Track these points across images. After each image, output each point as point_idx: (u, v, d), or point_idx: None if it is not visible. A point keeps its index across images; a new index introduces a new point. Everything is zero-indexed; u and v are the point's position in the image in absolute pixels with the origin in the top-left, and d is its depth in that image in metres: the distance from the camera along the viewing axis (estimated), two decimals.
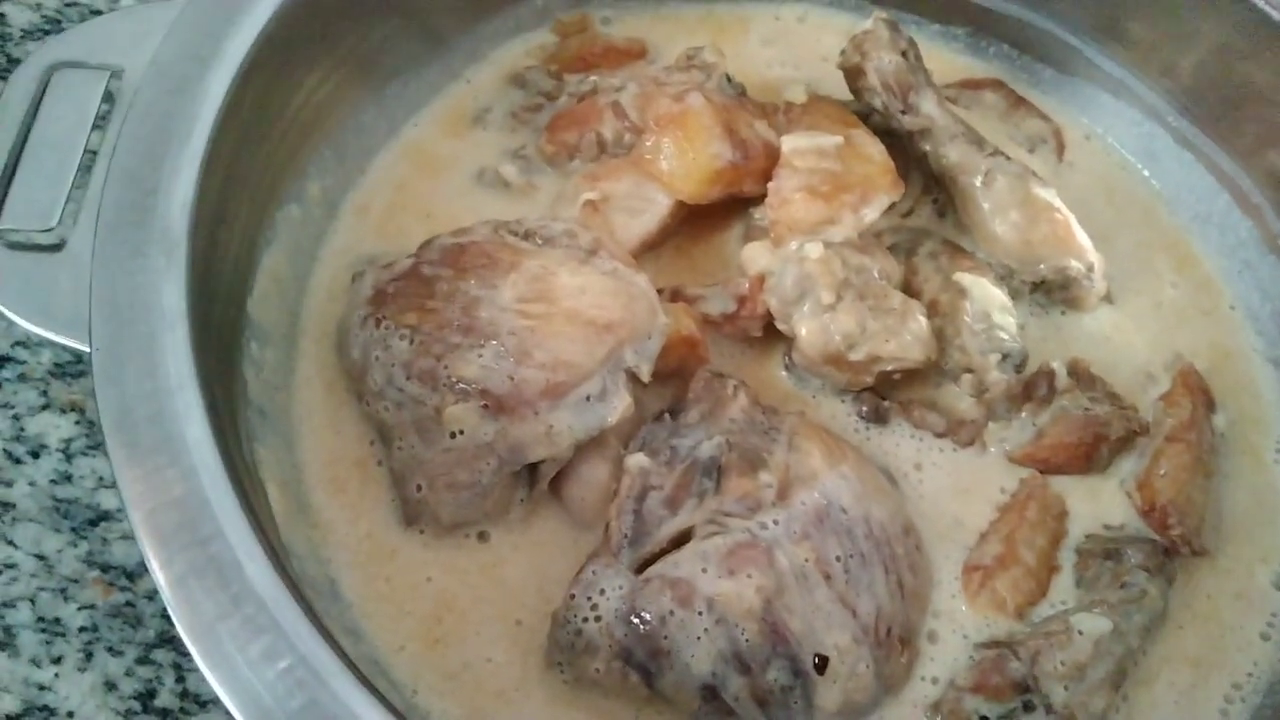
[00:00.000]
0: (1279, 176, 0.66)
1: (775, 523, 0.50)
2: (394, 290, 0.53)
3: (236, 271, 0.50)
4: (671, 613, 0.47)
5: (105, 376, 0.40)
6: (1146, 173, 0.71)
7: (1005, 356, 0.57)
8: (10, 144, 0.46)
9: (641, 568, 0.49)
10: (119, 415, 0.39)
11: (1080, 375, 0.60)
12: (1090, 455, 0.58)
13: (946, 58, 0.74)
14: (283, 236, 0.56)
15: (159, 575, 0.37)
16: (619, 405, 0.52)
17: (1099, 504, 0.58)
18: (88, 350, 0.41)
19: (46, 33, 0.79)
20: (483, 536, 0.53)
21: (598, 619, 0.48)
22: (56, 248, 0.44)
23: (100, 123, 0.47)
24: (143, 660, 0.58)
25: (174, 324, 0.41)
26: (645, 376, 0.53)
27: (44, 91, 0.47)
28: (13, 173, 0.45)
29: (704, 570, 0.48)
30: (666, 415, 0.55)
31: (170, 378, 0.40)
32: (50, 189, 0.45)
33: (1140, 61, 0.70)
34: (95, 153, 0.45)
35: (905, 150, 0.65)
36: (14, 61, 0.77)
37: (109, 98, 0.48)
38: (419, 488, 0.51)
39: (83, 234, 0.44)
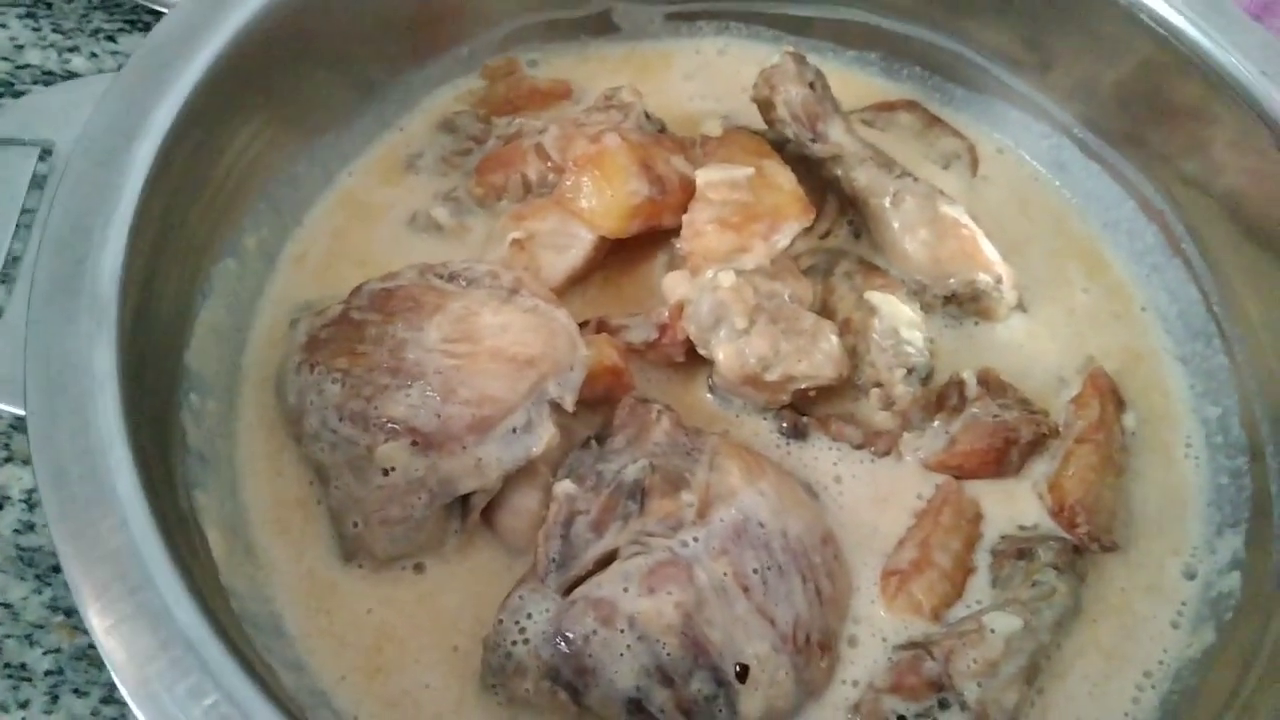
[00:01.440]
0: (1181, 182, 0.69)
1: (695, 540, 0.53)
2: (326, 336, 0.56)
3: (172, 327, 0.53)
4: (595, 632, 0.50)
5: (40, 437, 0.42)
6: (1058, 183, 0.74)
7: (910, 370, 0.59)
8: None
9: (569, 590, 0.52)
10: (54, 474, 0.42)
11: (990, 383, 0.62)
12: (1001, 459, 0.61)
13: (862, 81, 0.77)
14: (220, 289, 0.58)
15: (93, 623, 0.39)
16: (544, 436, 0.55)
17: (1013, 506, 0.61)
18: (23, 414, 0.43)
19: (0, 95, 0.81)
20: (419, 568, 0.56)
21: (525, 641, 0.51)
22: None
23: (31, 199, 0.49)
24: (107, 700, 0.60)
25: (104, 385, 0.43)
26: (569, 406, 0.56)
27: None
28: None
29: (625, 590, 0.51)
30: (593, 441, 0.57)
31: (101, 436, 0.43)
32: None
33: (1051, 79, 0.73)
34: (29, 227, 0.48)
35: (820, 176, 0.68)
36: None
37: (40, 172, 0.50)
38: (355, 524, 0.54)
39: (18, 303, 0.46)
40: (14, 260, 0.49)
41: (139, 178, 0.49)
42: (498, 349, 0.55)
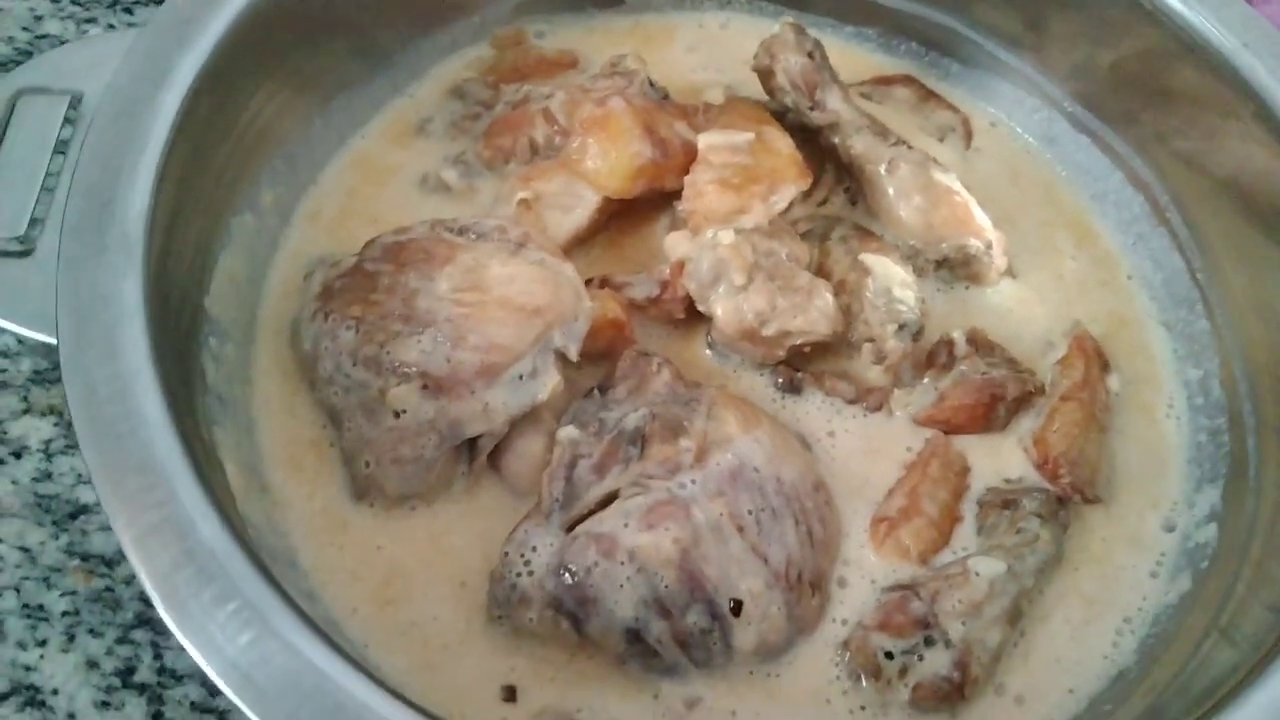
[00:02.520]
0: (1169, 156, 0.71)
1: (693, 482, 0.55)
2: (340, 286, 0.58)
3: (192, 273, 0.55)
4: (596, 564, 0.52)
5: (71, 363, 0.45)
6: (1048, 156, 0.77)
7: (902, 326, 0.62)
8: None
9: (571, 528, 0.54)
10: (84, 396, 0.44)
11: (978, 343, 0.65)
12: (988, 415, 0.63)
13: (860, 56, 0.79)
14: (238, 241, 0.60)
15: (122, 534, 0.42)
16: (549, 383, 0.57)
17: (999, 460, 0.63)
18: (54, 342, 0.46)
19: (19, 64, 0.84)
20: (427, 508, 0.58)
21: (530, 573, 0.53)
22: (26, 253, 0.49)
23: (62, 145, 0.52)
24: (122, 640, 0.62)
25: (132, 315, 0.46)
26: (573, 356, 0.58)
27: (10, 115, 0.52)
28: None
29: (626, 525, 0.53)
30: (596, 391, 0.60)
31: (129, 361, 0.45)
32: (18, 201, 0.50)
33: (1047, 57, 0.75)
34: (58, 174, 0.50)
35: (819, 144, 0.70)
36: None
37: (70, 119, 0.53)
38: (367, 464, 0.56)
39: (49, 241, 0.49)
40: (45, 202, 0.51)
41: (164, 126, 0.52)
42: (506, 298, 0.57)
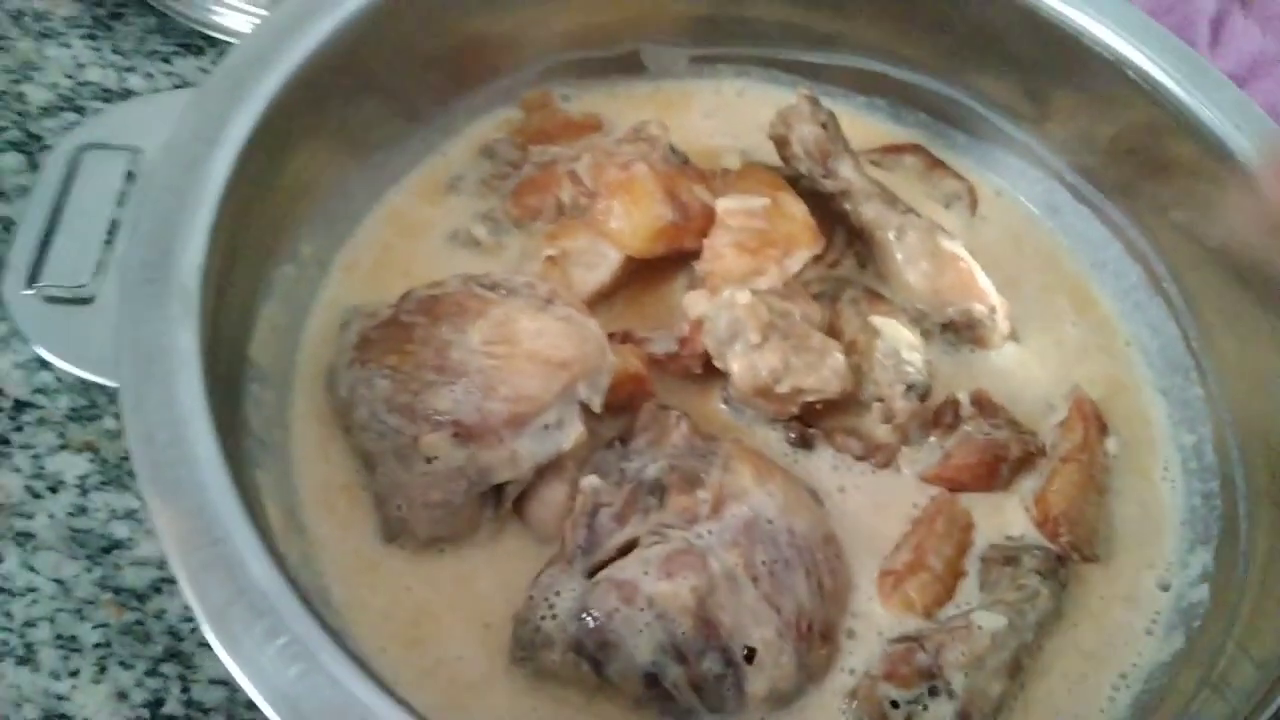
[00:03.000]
0: (1165, 228, 0.75)
1: (709, 532, 0.57)
2: (376, 336, 0.61)
3: (240, 322, 0.58)
4: (617, 609, 0.55)
5: (131, 407, 0.47)
6: (1050, 224, 0.80)
7: (910, 387, 0.64)
8: (47, 213, 0.54)
9: (592, 573, 0.57)
10: (143, 438, 0.47)
11: (983, 404, 0.67)
12: (992, 474, 0.66)
13: (870, 125, 0.82)
14: (279, 291, 0.63)
15: (179, 571, 0.44)
16: (573, 433, 0.60)
17: (1002, 517, 0.66)
18: (116, 386, 0.48)
19: (61, 109, 0.87)
20: (455, 551, 0.60)
21: (554, 616, 0.55)
22: (88, 301, 0.52)
23: (122, 197, 0.55)
24: (151, 673, 0.64)
25: (188, 364, 0.48)
26: (597, 407, 0.61)
27: (75, 169, 0.55)
28: (50, 238, 0.54)
29: (646, 573, 0.55)
30: (617, 442, 0.63)
31: (185, 408, 0.47)
32: (83, 251, 0.53)
33: (1048, 129, 0.79)
34: (118, 222, 0.53)
35: (830, 209, 0.73)
36: (34, 137, 0.85)
37: (130, 174, 0.56)
38: (399, 507, 0.59)
39: (110, 290, 0.52)
40: (107, 252, 0.54)
41: (218, 182, 0.54)
42: (534, 351, 0.60)
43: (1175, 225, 0.74)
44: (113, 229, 0.55)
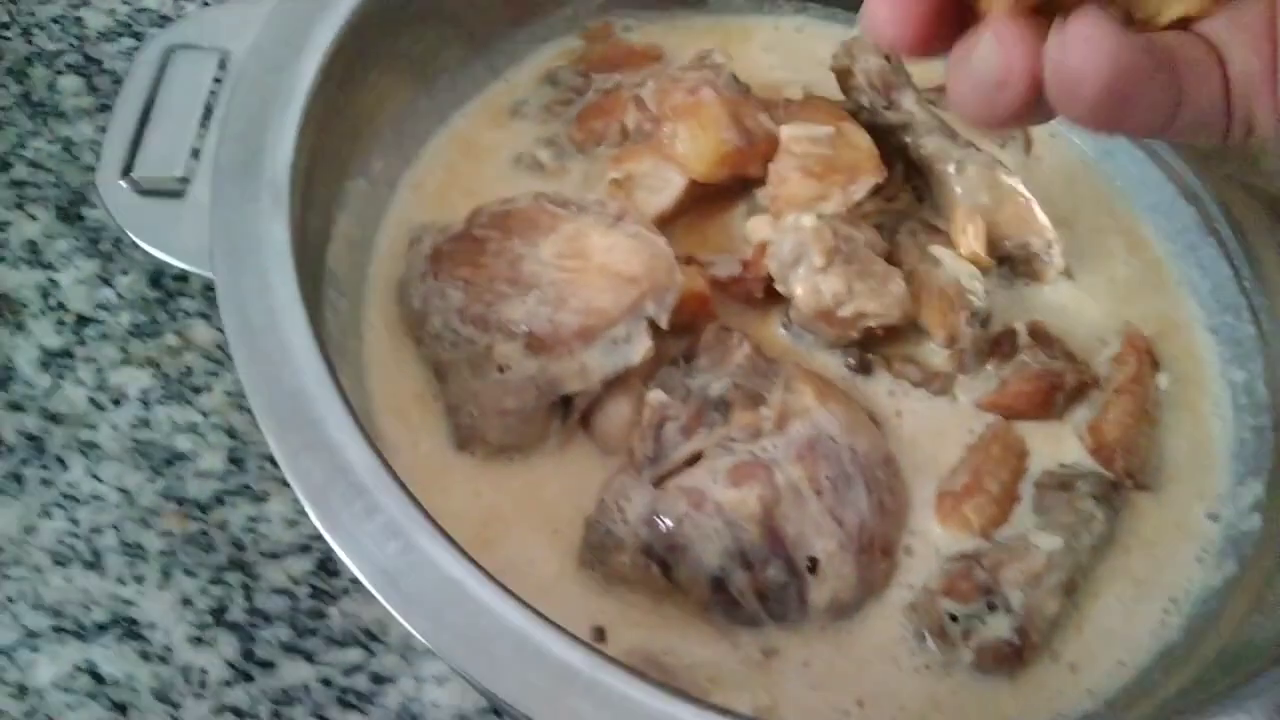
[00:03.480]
0: (1221, 175, 0.75)
1: (774, 446, 0.58)
2: (449, 249, 0.62)
3: (320, 229, 0.59)
4: (687, 514, 0.56)
5: (228, 297, 0.48)
6: (1104, 167, 0.81)
7: (973, 314, 0.65)
8: (139, 109, 0.55)
9: (659, 483, 0.58)
10: (240, 327, 0.48)
11: (1039, 335, 0.68)
12: (1047, 403, 0.67)
13: (930, 65, 0.82)
14: (352, 204, 0.64)
15: (277, 450, 0.45)
16: (641, 348, 0.61)
17: (1056, 445, 0.67)
18: (211, 276, 0.49)
19: (119, 35, 0.88)
20: (524, 460, 0.61)
21: (625, 521, 0.56)
22: (180, 193, 0.53)
23: (211, 96, 0.56)
24: (215, 581, 0.65)
25: (282, 255, 0.49)
26: (664, 324, 0.62)
27: (164, 68, 0.56)
28: (142, 131, 0.55)
29: (714, 481, 0.57)
30: (681, 360, 0.64)
31: (280, 297, 0.48)
32: (175, 146, 0.54)
33: None
34: (208, 119, 0.55)
35: (889, 142, 0.74)
36: (92, 60, 0.86)
37: (218, 77, 0.57)
38: (471, 415, 0.60)
39: (201, 184, 0.53)
40: (196, 153, 0.55)
41: (304, 87, 0.55)
42: (605, 266, 0.61)
43: (1231, 173, 0.74)
44: (203, 126, 0.56)
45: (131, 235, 0.52)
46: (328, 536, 0.43)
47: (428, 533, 0.44)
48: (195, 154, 0.55)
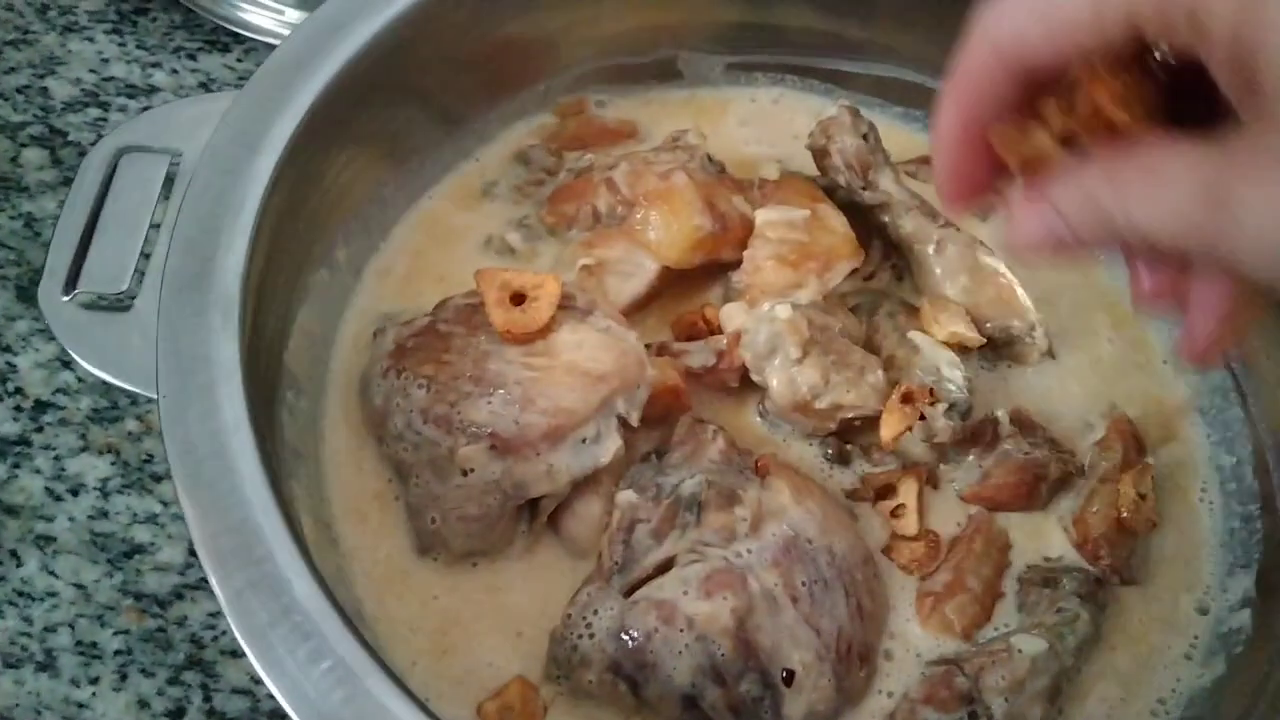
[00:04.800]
0: None
1: (749, 551, 0.57)
2: (413, 345, 0.60)
3: (277, 329, 0.57)
4: (656, 630, 0.54)
5: (171, 419, 0.47)
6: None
7: (951, 406, 0.64)
8: (86, 217, 0.53)
9: (629, 592, 0.56)
10: (183, 451, 0.46)
11: (1022, 423, 0.67)
12: (1031, 494, 0.65)
13: (908, 136, 0.81)
14: (314, 297, 0.62)
15: (219, 589, 0.43)
16: (611, 447, 0.59)
17: (1040, 538, 0.65)
18: (147, 394, 0.47)
19: (85, 105, 0.86)
20: (488, 564, 0.59)
21: (591, 636, 0.54)
22: (126, 308, 0.51)
23: (161, 201, 0.54)
24: (173, 681, 0.64)
25: (230, 375, 0.48)
26: (634, 422, 0.60)
27: (113, 172, 0.54)
28: (88, 242, 0.53)
29: (685, 593, 0.55)
30: (653, 456, 0.62)
31: (227, 420, 0.47)
32: (120, 256, 0.52)
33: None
34: (158, 226, 0.53)
35: (867, 221, 0.72)
36: (57, 132, 0.85)
37: (169, 178, 0.55)
38: (433, 520, 0.58)
39: (148, 297, 0.51)
40: (145, 257, 0.53)
41: (259, 188, 0.54)
42: (573, 364, 0.59)
43: None
44: (151, 234, 0.54)
45: (74, 356, 0.50)
46: (269, 683, 0.42)
47: (378, 679, 0.42)
48: (144, 265, 0.53)
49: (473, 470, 0.57)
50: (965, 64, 0.38)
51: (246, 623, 0.42)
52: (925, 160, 0.80)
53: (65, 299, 0.52)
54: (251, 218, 0.52)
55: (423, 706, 0.42)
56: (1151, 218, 0.34)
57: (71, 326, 0.51)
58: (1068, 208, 0.36)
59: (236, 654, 0.64)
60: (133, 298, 0.52)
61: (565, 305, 0.61)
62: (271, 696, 0.63)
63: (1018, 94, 0.38)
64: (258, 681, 0.64)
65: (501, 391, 0.58)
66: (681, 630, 0.54)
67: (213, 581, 0.43)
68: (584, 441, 0.59)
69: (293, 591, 0.43)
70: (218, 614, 0.65)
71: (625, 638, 0.54)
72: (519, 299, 0.59)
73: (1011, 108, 0.38)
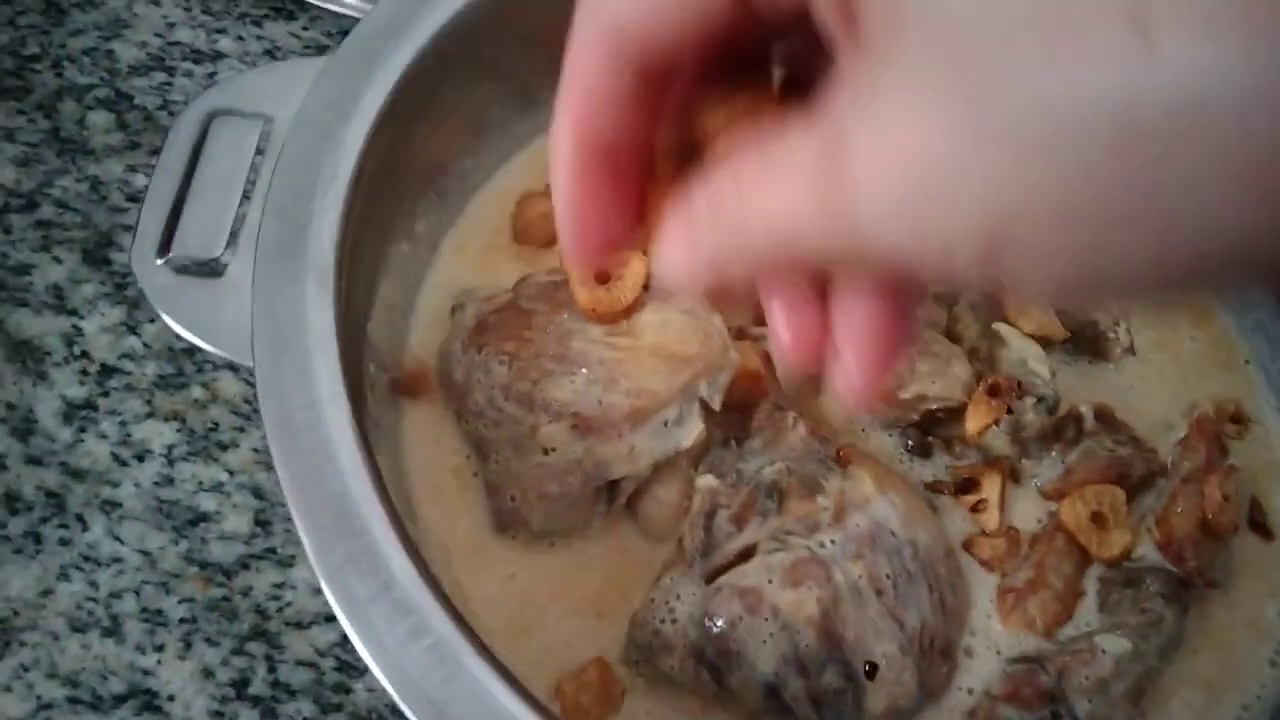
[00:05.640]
0: None
1: (832, 542, 0.56)
2: (494, 321, 0.59)
3: (363, 300, 0.56)
4: (741, 617, 0.53)
5: (267, 388, 0.46)
6: None
7: (1040, 400, 0.62)
8: (178, 181, 0.52)
9: (711, 578, 0.55)
10: (280, 422, 0.45)
11: (1106, 419, 0.65)
12: None
13: None
14: (395, 269, 0.62)
15: (316, 562, 0.42)
16: (693, 431, 0.58)
17: None
18: (250, 365, 0.47)
19: (151, 69, 0.86)
20: (565, 544, 0.59)
21: (674, 621, 0.54)
22: (219, 274, 0.51)
23: (253, 166, 0.53)
24: (237, 651, 0.63)
25: (326, 344, 0.47)
26: (716, 406, 0.59)
27: (204, 136, 0.54)
28: (181, 207, 0.52)
29: (770, 581, 0.54)
30: (733, 442, 0.61)
31: (323, 390, 0.46)
32: (214, 222, 0.51)
33: None
34: (248, 195, 0.52)
35: None
36: (123, 95, 0.84)
37: (260, 143, 0.54)
38: (512, 498, 0.57)
39: (241, 263, 0.50)
40: (238, 222, 0.52)
41: (351, 156, 0.53)
42: (658, 345, 0.58)
43: None
44: (244, 199, 0.54)
45: (168, 320, 0.50)
46: (369, 661, 0.41)
47: (478, 660, 0.41)
48: (237, 229, 0.52)
49: (554, 449, 0.56)
50: (573, 63, 0.31)
51: (346, 597, 0.42)
52: None
53: (159, 262, 0.51)
54: (344, 186, 0.51)
55: (523, 689, 0.41)
56: (779, 214, 0.27)
57: (165, 290, 0.50)
58: (700, 227, 0.29)
59: (301, 625, 0.64)
60: (226, 264, 0.52)
61: (648, 285, 0.60)
62: (337, 669, 0.64)
63: (649, 94, 0.30)
64: (322, 654, 0.63)
65: (584, 371, 0.57)
66: (766, 619, 0.53)
67: (310, 554, 0.42)
68: (666, 424, 0.58)
69: (390, 567, 0.42)
70: (282, 585, 0.65)
71: (709, 624, 0.53)
72: (604, 278, 0.58)
73: (648, 112, 0.30)
